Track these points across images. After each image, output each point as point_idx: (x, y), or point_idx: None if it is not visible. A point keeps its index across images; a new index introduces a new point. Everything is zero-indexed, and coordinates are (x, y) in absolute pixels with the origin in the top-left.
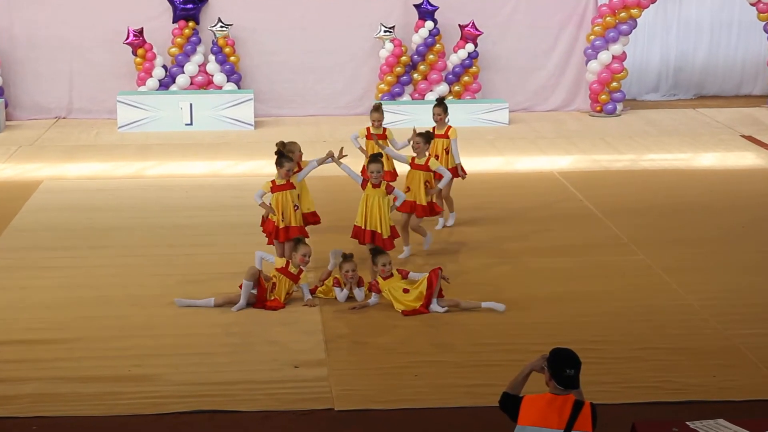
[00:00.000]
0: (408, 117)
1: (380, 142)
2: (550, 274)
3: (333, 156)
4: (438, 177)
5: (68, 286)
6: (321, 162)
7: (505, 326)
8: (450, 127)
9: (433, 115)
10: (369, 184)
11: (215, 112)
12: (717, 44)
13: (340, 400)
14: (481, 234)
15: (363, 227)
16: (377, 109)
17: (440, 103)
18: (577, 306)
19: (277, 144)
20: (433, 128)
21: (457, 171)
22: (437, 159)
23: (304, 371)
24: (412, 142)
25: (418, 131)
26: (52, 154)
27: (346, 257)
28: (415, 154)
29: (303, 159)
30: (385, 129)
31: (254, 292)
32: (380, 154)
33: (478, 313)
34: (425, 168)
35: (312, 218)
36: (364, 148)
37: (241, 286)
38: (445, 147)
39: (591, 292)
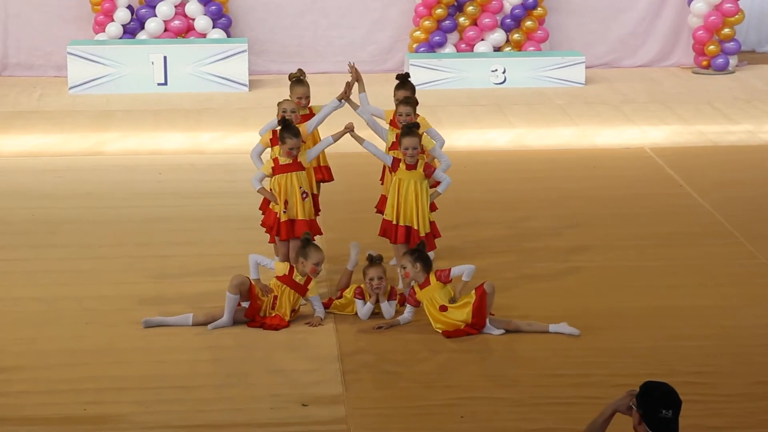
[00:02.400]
0: (451, 75)
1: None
2: (639, 283)
3: (353, 130)
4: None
5: (3, 297)
6: (338, 137)
7: (579, 353)
8: (418, 115)
9: (400, 115)
10: (402, 164)
11: (197, 69)
12: None
13: None
14: (547, 230)
15: (395, 222)
16: (300, 81)
17: (407, 80)
18: (674, 326)
19: (279, 116)
20: (394, 113)
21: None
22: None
23: (316, 410)
24: (396, 113)
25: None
26: None
27: (373, 260)
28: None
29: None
30: (311, 108)
31: (245, 305)
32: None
33: (542, 337)
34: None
35: (327, 175)
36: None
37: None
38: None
39: (693, 307)
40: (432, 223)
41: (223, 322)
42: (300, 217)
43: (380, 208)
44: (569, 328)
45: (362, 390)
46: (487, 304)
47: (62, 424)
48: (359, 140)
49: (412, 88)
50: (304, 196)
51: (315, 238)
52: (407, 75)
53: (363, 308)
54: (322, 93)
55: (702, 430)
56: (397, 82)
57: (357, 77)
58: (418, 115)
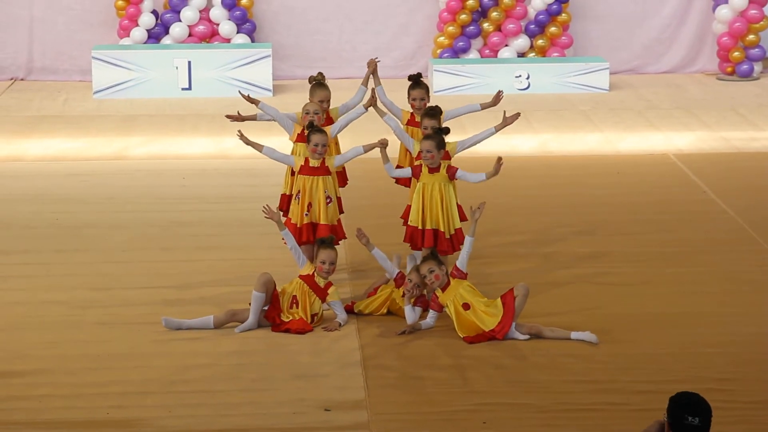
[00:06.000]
0: (475, 81)
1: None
2: (662, 290)
3: (385, 146)
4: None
5: (27, 302)
6: (368, 149)
7: (602, 359)
8: None
9: (414, 100)
10: (424, 168)
11: (221, 74)
12: None
13: None
14: (570, 235)
15: (420, 227)
16: (322, 84)
17: (418, 82)
18: (697, 332)
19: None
20: (411, 114)
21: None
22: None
23: (338, 415)
24: (410, 98)
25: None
26: (5, 128)
27: (419, 268)
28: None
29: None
30: (327, 112)
31: (266, 309)
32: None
33: (565, 343)
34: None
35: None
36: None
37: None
38: None
39: (716, 313)
40: (458, 230)
41: (250, 323)
42: (323, 222)
43: (405, 218)
44: (590, 335)
45: (385, 395)
46: (516, 310)
47: (85, 428)
48: (385, 159)
49: (426, 88)
50: (328, 201)
51: (339, 242)
52: (419, 75)
53: (411, 313)
54: (346, 98)
55: None
56: (410, 83)
57: (373, 70)
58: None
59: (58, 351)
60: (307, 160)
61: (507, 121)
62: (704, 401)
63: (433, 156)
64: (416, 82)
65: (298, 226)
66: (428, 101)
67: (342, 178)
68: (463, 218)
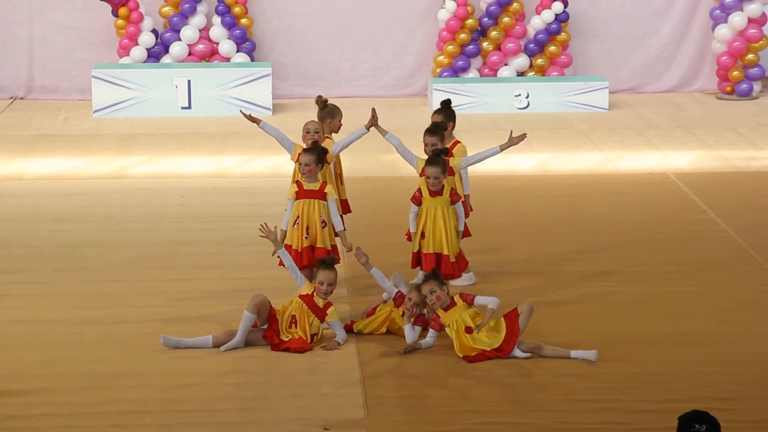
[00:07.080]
0: (474, 100)
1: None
2: (662, 309)
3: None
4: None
5: (26, 320)
6: (369, 126)
7: (602, 378)
8: (457, 142)
9: (426, 146)
10: (425, 192)
11: (221, 92)
12: None
13: None
14: (570, 255)
15: (423, 250)
16: (335, 106)
17: (446, 106)
18: (697, 351)
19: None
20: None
21: (467, 205)
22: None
23: None
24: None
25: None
26: (5, 147)
27: (419, 287)
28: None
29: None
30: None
31: (264, 328)
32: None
33: (565, 362)
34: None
35: (343, 207)
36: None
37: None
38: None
39: (716, 332)
40: (460, 252)
41: (236, 342)
42: (319, 245)
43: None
44: (590, 354)
45: (384, 414)
46: (520, 328)
47: None
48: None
49: (441, 136)
50: (324, 225)
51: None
52: (449, 101)
53: (411, 332)
54: (345, 117)
55: None
56: (426, 130)
57: (372, 124)
58: (457, 142)
59: (58, 370)
60: (300, 185)
61: (513, 141)
62: (712, 416)
63: (440, 182)
64: (431, 130)
65: (299, 251)
66: (441, 146)
67: (344, 206)
68: (463, 262)
